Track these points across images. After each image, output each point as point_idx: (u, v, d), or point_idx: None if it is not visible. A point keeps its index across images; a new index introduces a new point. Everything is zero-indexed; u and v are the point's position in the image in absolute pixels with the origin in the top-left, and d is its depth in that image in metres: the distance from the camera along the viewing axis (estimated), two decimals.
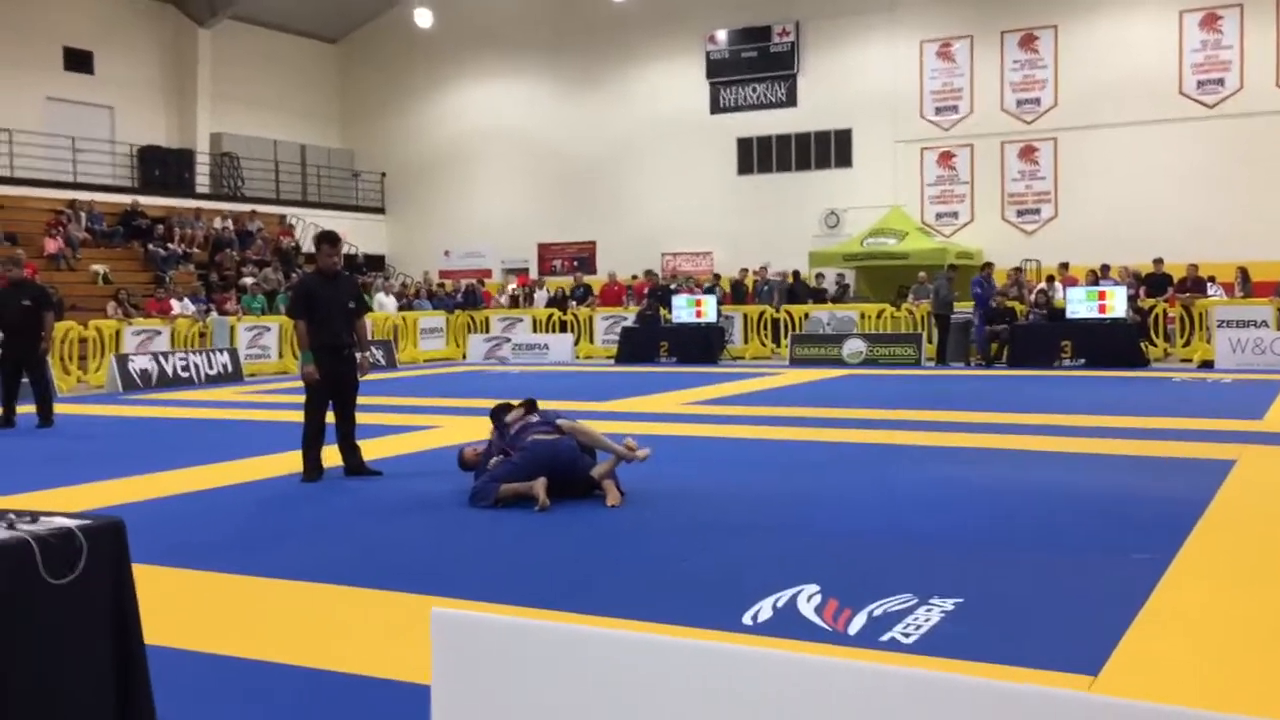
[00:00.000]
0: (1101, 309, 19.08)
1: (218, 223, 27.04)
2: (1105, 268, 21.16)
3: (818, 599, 5.02)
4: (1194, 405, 12.65)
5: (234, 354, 20.30)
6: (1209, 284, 20.55)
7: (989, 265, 21.47)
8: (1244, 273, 20.66)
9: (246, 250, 26.39)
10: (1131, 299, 19.54)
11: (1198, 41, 23.92)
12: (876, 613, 4.80)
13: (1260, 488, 7.66)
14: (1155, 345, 19.86)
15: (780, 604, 4.96)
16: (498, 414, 8.11)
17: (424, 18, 29.77)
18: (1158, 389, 15.09)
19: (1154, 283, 20.72)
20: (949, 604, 4.91)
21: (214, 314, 21.42)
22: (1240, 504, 7.06)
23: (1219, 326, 19.23)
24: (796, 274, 24.93)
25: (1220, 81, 23.76)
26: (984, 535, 6.43)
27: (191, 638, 4.67)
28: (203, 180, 29.30)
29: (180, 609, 5.10)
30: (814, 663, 2.38)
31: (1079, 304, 19.31)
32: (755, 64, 28.10)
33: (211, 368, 19.61)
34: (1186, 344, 19.83)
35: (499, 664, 2.68)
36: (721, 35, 28.44)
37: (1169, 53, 24.09)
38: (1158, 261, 21.03)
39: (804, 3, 27.38)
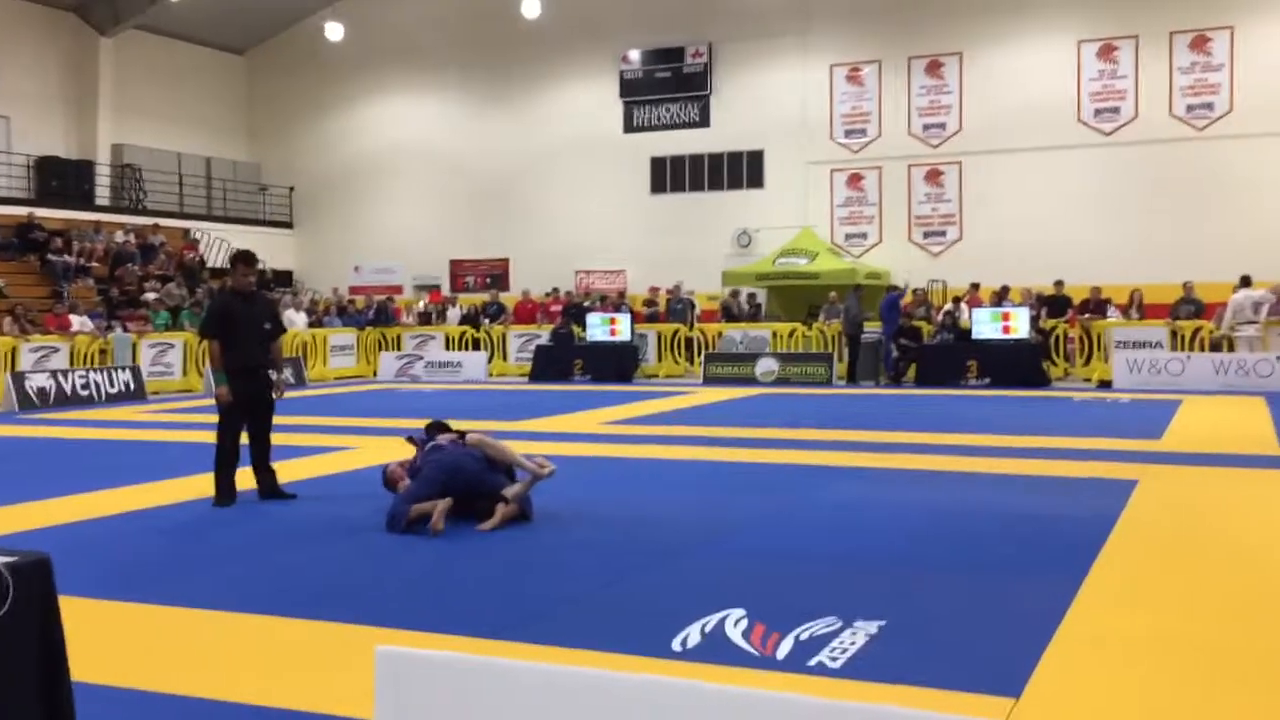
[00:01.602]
0: (1005, 330, 19.60)
1: (119, 236, 26.33)
2: (1005, 289, 21.75)
3: (744, 623, 5.07)
4: (1095, 425, 13.04)
5: (136, 372, 19.79)
6: (1109, 306, 21.22)
7: (895, 287, 21.97)
8: (1138, 295, 21.37)
9: (149, 265, 25.74)
10: (1033, 320, 20.10)
11: (1095, 71, 24.76)
12: (803, 636, 4.87)
13: (1162, 507, 7.93)
14: (1056, 365, 20.44)
15: (708, 629, 5.01)
16: (429, 430, 8.07)
17: (334, 31, 29.43)
18: (1060, 408, 15.54)
19: (1055, 304, 21.34)
20: (873, 626, 5.00)
21: (116, 330, 20.82)
22: (1145, 524, 7.31)
23: (1117, 347, 19.88)
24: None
25: (1116, 110, 24.62)
26: (901, 556, 6.55)
27: (115, 673, 4.54)
28: (103, 193, 28.53)
29: (99, 642, 4.95)
30: (753, 696, 2.42)
31: (984, 325, 19.81)
32: (668, 84, 28.33)
33: (113, 386, 19.09)
34: (1086, 364, 20.45)
35: (443, 701, 2.67)
36: (635, 55, 28.62)
37: (1068, 82, 24.89)
38: (1058, 284, 21.67)
39: (717, 25, 27.70)
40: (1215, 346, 19.30)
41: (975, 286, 22.50)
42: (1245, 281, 19.19)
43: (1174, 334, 19.85)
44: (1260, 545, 6.72)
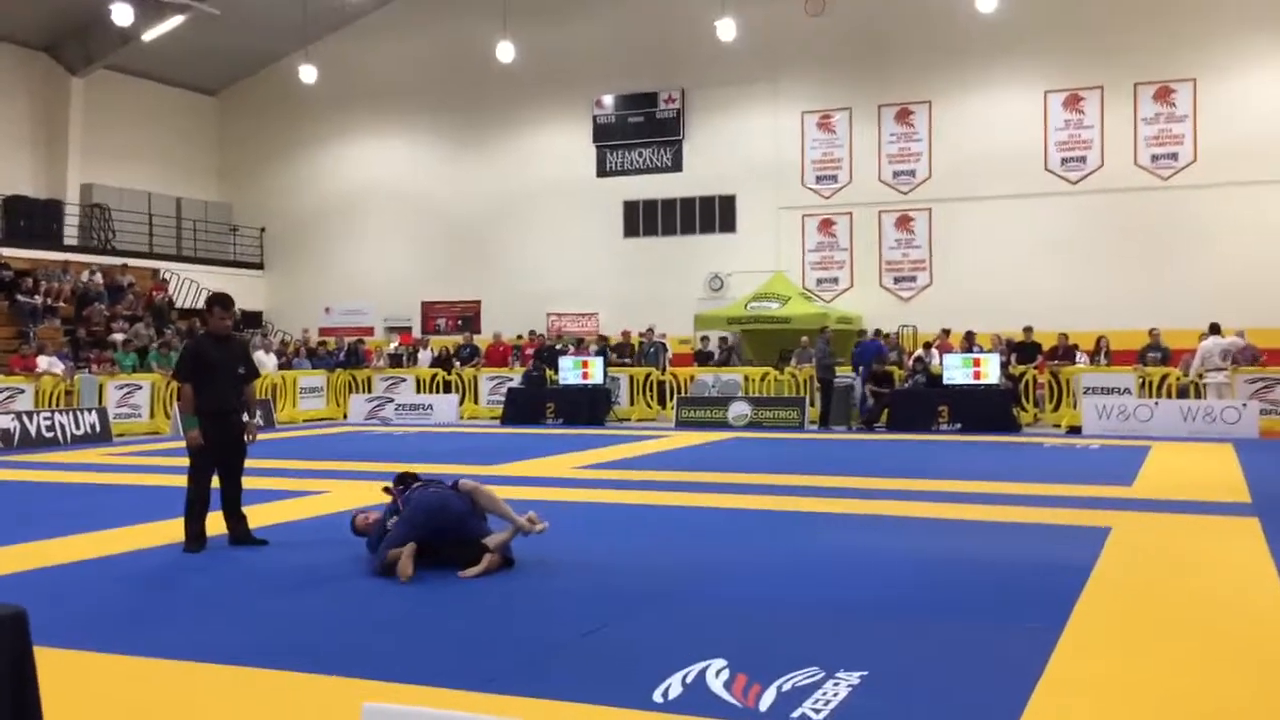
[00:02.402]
0: (976, 375, 19.74)
1: (85, 276, 26.11)
2: (971, 334, 21.94)
3: (726, 674, 5.03)
4: (1067, 471, 13.11)
5: (103, 413, 19.56)
6: (1077, 352, 21.42)
7: (879, 332, 22.24)
8: (1104, 342, 21.60)
9: (117, 305, 25.52)
10: (1004, 366, 20.25)
11: (1061, 121, 25.17)
12: (785, 687, 4.83)
13: (1137, 555, 7.97)
14: (1026, 410, 20.57)
15: (689, 679, 4.96)
16: (399, 480, 8.00)
17: (308, 73, 29.47)
18: (1031, 454, 15.62)
19: (1024, 350, 21.53)
20: (855, 677, 4.97)
21: (83, 371, 20.59)
22: (1120, 572, 7.33)
23: (1085, 393, 20.05)
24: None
25: (1083, 159, 25.01)
26: (880, 604, 6.54)
27: None
28: (72, 232, 28.32)
29: (68, 694, 4.83)
30: None
31: (955, 370, 19.94)
32: (642, 129, 28.54)
33: (79, 428, 18.86)
34: (1055, 410, 20.60)
35: None
36: (608, 100, 28.83)
37: (1035, 131, 25.28)
38: (1027, 330, 21.88)
39: (689, 71, 27.98)
40: (1183, 393, 19.50)
41: (946, 332, 22.67)
42: (1214, 329, 19.43)
43: (1142, 380, 20.04)
44: (1234, 594, 6.76)
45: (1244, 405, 18.29)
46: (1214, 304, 21.46)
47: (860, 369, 20.95)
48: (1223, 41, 23.83)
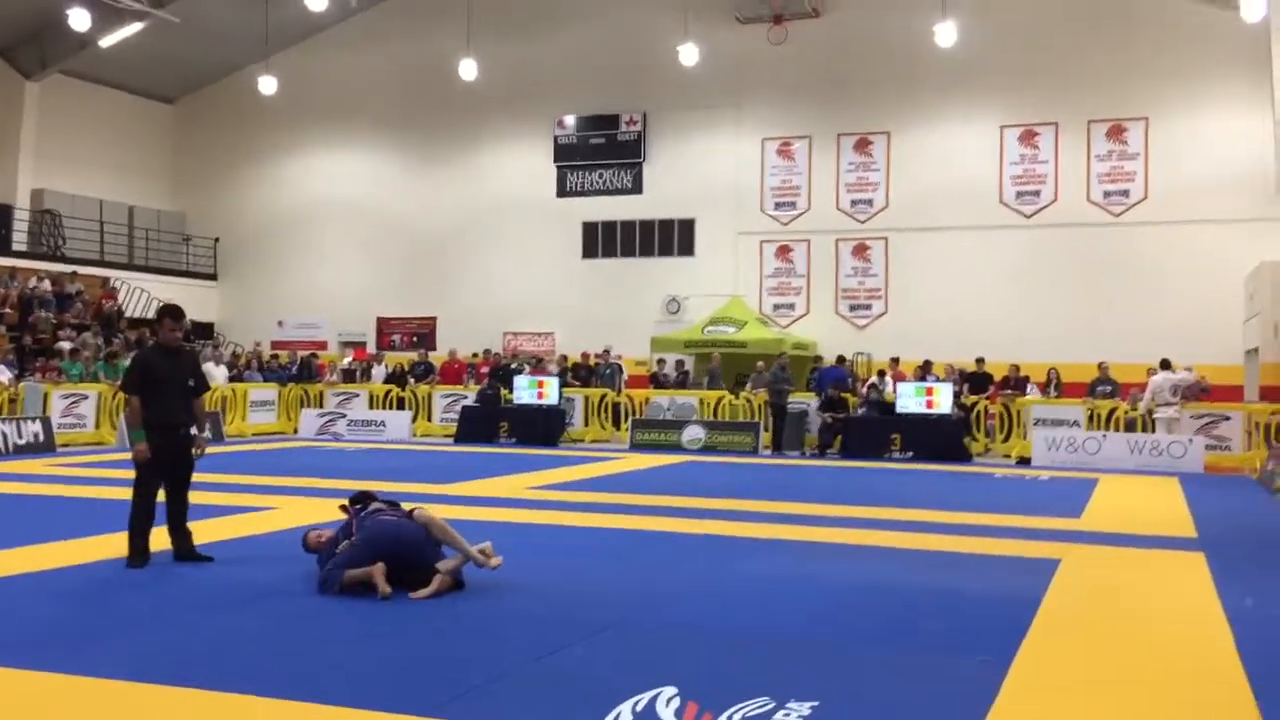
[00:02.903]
0: (929, 404, 19.89)
1: (32, 282, 25.65)
2: (927, 364, 22.13)
3: (676, 702, 4.99)
4: (1016, 502, 13.23)
5: (47, 423, 19.19)
6: (1028, 383, 21.66)
7: (842, 359, 22.41)
8: (1055, 374, 21.86)
9: (65, 313, 25.10)
10: (956, 396, 20.42)
11: (1017, 155, 25.53)
12: (736, 718, 4.81)
13: (1086, 588, 8.03)
14: (977, 440, 20.75)
15: (639, 708, 4.92)
16: (355, 500, 7.92)
17: (268, 84, 29.25)
18: (982, 484, 15.75)
19: (976, 381, 21.73)
20: (805, 708, 4.95)
21: (28, 379, 20.20)
22: (1069, 605, 7.39)
23: (1035, 425, 20.27)
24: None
25: (1037, 193, 25.38)
26: (831, 634, 6.54)
27: None
28: (20, 238, 27.84)
29: (5, 715, 4.70)
30: None
31: (908, 399, 20.08)
32: (602, 150, 28.60)
33: (21, 437, 18.49)
34: (1006, 440, 20.80)
35: None
36: (570, 120, 28.87)
37: (991, 164, 25.62)
38: (979, 360, 22.09)
39: (652, 94, 28.08)
40: (1130, 426, 19.76)
41: (895, 361, 22.81)
42: (1165, 364, 19.72)
43: (1090, 413, 20.29)
44: (1181, 629, 6.82)
45: (1190, 440, 18.56)
46: (1162, 339, 21.80)
47: (822, 395, 21.03)
48: (1175, 82, 24.31)
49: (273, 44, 29.50)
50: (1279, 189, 22.07)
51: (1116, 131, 24.83)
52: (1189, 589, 8.06)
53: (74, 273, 27.22)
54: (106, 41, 27.41)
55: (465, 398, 23.81)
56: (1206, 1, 23.74)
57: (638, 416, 22.64)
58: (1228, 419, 19.44)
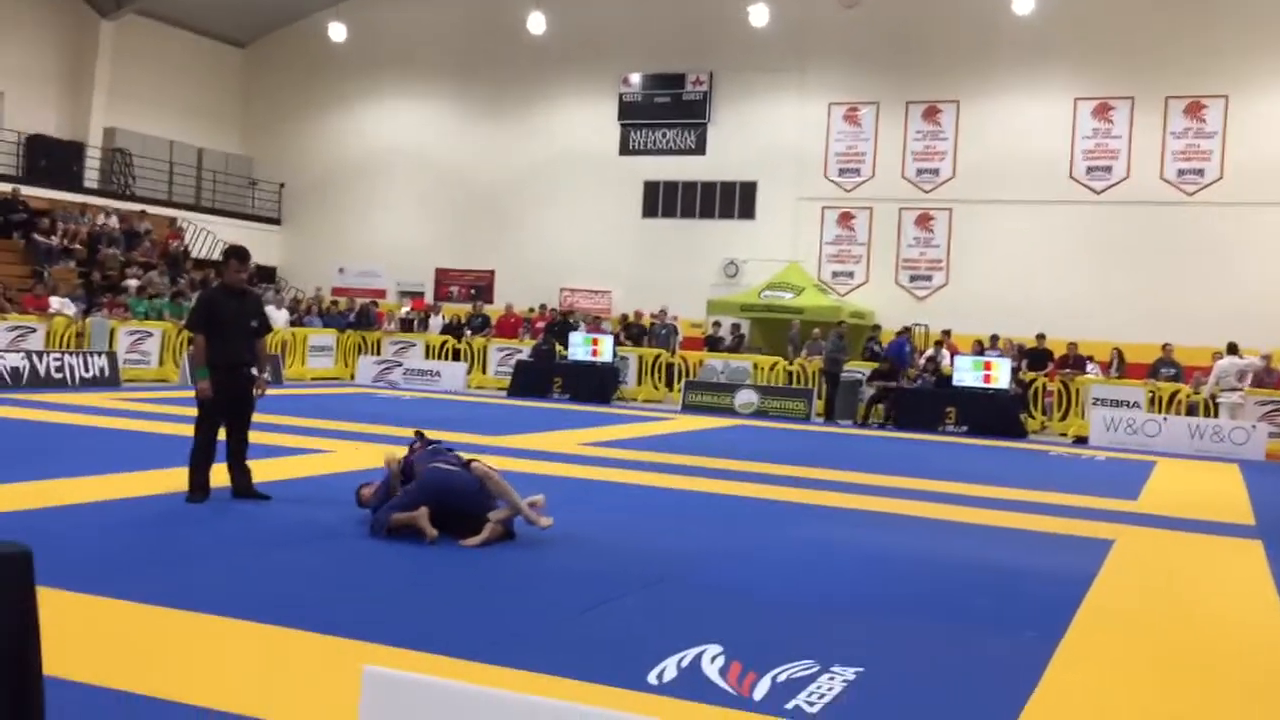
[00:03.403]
0: (986, 379, 19.66)
1: (101, 219, 26.09)
2: (995, 338, 21.85)
3: (721, 660, 5.02)
4: (1072, 481, 13.08)
5: (112, 358, 19.59)
6: (1088, 362, 21.34)
7: (906, 329, 22.16)
8: (1119, 354, 21.52)
9: (133, 251, 25.53)
10: (1014, 371, 20.17)
11: (1090, 129, 24.98)
12: (780, 678, 4.83)
13: (1139, 570, 7.95)
14: (1034, 418, 20.51)
15: (684, 664, 4.95)
16: (422, 436, 8.08)
17: (337, 31, 29.38)
18: (1037, 462, 15.58)
19: (1035, 357, 21.45)
20: (850, 673, 4.96)
21: (96, 314, 20.61)
22: (1121, 586, 7.31)
23: (1094, 404, 19.98)
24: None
25: (1108, 169, 24.84)
26: (879, 601, 6.53)
27: (83, 669, 4.43)
28: (92, 175, 28.31)
29: (68, 637, 4.84)
30: None
31: (965, 373, 19.87)
32: (667, 110, 28.41)
33: (88, 370, 18.89)
34: (1063, 419, 20.54)
35: None
36: (636, 78, 28.70)
37: (1062, 138, 25.10)
38: (1040, 337, 21.79)
39: (719, 55, 27.82)
40: (1192, 410, 19.42)
41: (947, 333, 22.53)
42: (1232, 348, 19.31)
43: (1152, 395, 19.96)
44: (1234, 615, 6.73)
45: (1253, 427, 18.21)
46: (1231, 323, 21.32)
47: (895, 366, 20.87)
48: (1257, 61, 23.62)
49: None
50: None
51: (1195, 109, 24.20)
52: (1245, 575, 7.94)
53: (143, 211, 27.65)
54: None
55: (520, 352, 23.94)
56: None
57: (691, 378, 22.64)
58: None
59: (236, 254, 8.77)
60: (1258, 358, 19.40)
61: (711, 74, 27.96)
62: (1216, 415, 18.82)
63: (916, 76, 26.18)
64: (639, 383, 23.42)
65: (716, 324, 25.53)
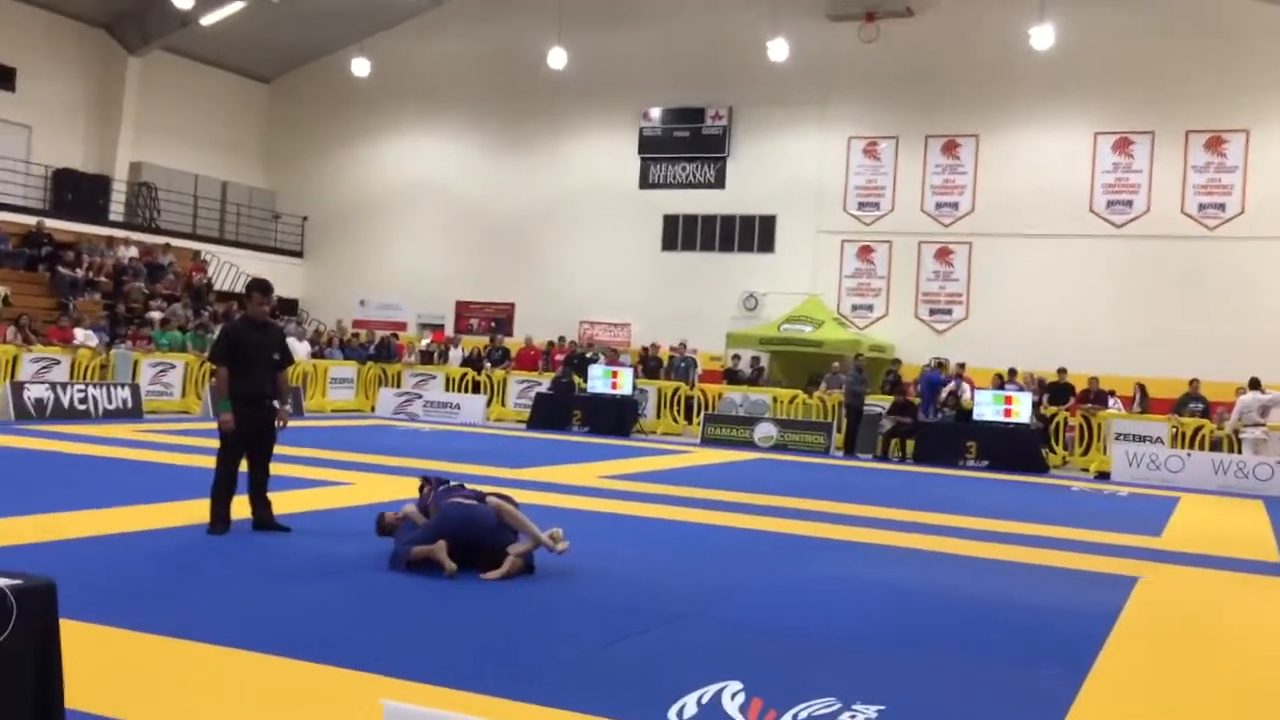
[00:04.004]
0: (1007, 413, 19.57)
1: (121, 251, 26.34)
2: (1013, 371, 21.76)
3: (741, 697, 4.99)
4: (1094, 517, 12.97)
5: (135, 389, 19.72)
6: (1110, 397, 21.21)
7: (941, 362, 22.06)
8: (1142, 389, 21.39)
9: (157, 283, 25.76)
10: (1035, 406, 20.07)
11: (1110, 163, 24.97)
12: (801, 716, 4.79)
13: (1164, 607, 7.86)
14: (1055, 452, 20.38)
15: (705, 700, 4.93)
16: (430, 480, 8.08)
17: (360, 66, 29.71)
18: (1059, 497, 15.47)
19: (1056, 391, 21.35)
20: (872, 711, 4.92)
21: (119, 347, 20.77)
22: (1146, 623, 7.24)
23: (1116, 439, 19.85)
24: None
25: (1129, 203, 24.80)
26: (900, 639, 6.47)
27: (104, 702, 4.44)
28: (117, 208, 28.63)
29: (89, 669, 4.85)
30: None
31: (986, 406, 19.78)
32: (687, 144, 28.56)
33: (111, 402, 19.02)
34: (1085, 453, 20.40)
35: None
36: (656, 113, 28.87)
37: (1082, 171, 25.09)
38: (1061, 371, 21.69)
39: (738, 89, 27.97)
40: (1215, 446, 19.26)
41: (962, 366, 22.43)
42: (1254, 384, 19.17)
43: (1175, 430, 19.81)
44: (1261, 653, 6.65)
45: (1277, 462, 18.04)
46: (1254, 358, 21.19)
47: (925, 402, 20.74)
48: (1278, 95, 23.59)
49: (366, 27, 29.94)
50: None
51: (1215, 143, 24.17)
52: (1271, 612, 7.85)
53: (167, 245, 27.92)
54: (208, 20, 28.02)
55: (540, 384, 23.98)
56: None
57: (710, 411, 22.61)
58: None
59: (259, 287, 8.84)
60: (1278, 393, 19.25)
61: (731, 108, 28.11)
62: (1240, 451, 18.66)
63: (936, 110, 26.25)
64: (658, 415, 23.41)
65: (736, 357, 25.52)
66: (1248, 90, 23.77)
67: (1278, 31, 23.55)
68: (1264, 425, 18.63)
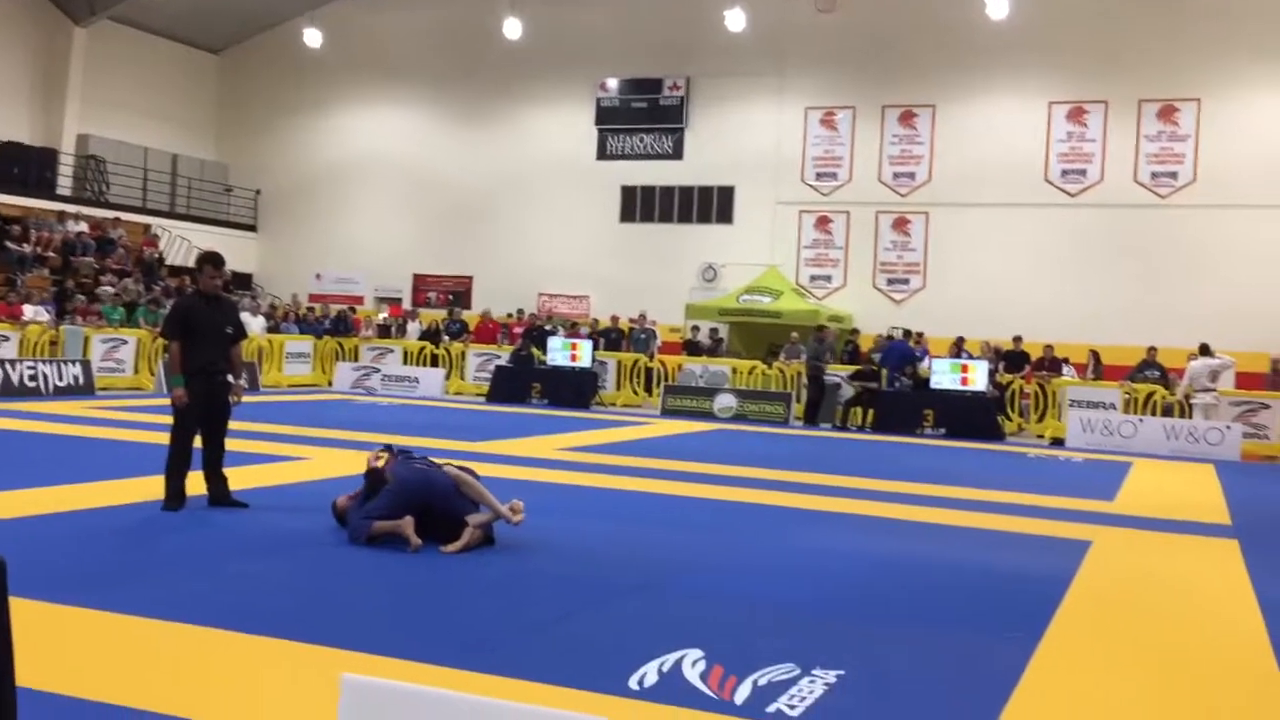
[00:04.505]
0: (963, 381, 19.74)
1: (70, 225, 25.88)
2: (961, 340, 21.94)
3: (702, 664, 5.01)
4: (1049, 483, 13.14)
5: (86, 366, 19.43)
6: (1064, 364, 21.46)
7: (907, 332, 22.08)
8: (1096, 356, 21.65)
9: (107, 258, 25.35)
10: (991, 374, 20.26)
11: (1064, 133, 25.16)
12: (761, 682, 4.82)
13: (1117, 570, 7.98)
14: (1011, 420, 20.60)
15: (665, 668, 4.94)
16: (391, 449, 8.01)
17: (313, 37, 29.30)
18: (1014, 463, 15.65)
19: (1013, 359, 21.56)
20: (831, 676, 4.96)
21: (69, 322, 20.44)
22: (1099, 586, 7.34)
23: (1071, 406, 20.09)
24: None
25: (1083, 172, 25.02)
26: (858, 605, 6.53)
27: (58, 680, 4.38)
28: (65, 182, 28.11)
29: (41, 647, 4.78)
30: None
31: (943, 375, 19.94)
32: (644, 115, 28.44)
33: (61, 379, 18.73)
34: (1040, 420, 20.64)
35: None
36: (613, 83, 28.71)
37: (1037, 141, 25.27)
38: (1017, 339, 21.91)
39: (696, 60, 27.87)
40: (1167, 411, 19.55)
41: (921, 335, 22.50)
42: (1205, 349, 19.45)
43: (1128, 397, 20.08)
44: (1212, 615, 6.77)
45: (1228, 427, 18.35)
46: (1205, 324, 21.50)
47: (889, 371, 20.77)
48: (1229, 64, 23.84)
49: None
50: None
51: (1168, 112, 24.41)
52: (1221, 575, 7.99)
53: (117, 219, 27.47)
54: None
55: (499, 358, 23.90)
56: None
57: (670, 382, 22.64)
58: (1266, 407, 19.19)
59: (211, 260, 8.72)
60: (1230, 358, 19.54)
61: (689, 79, 28.01)
62: (1191, 416, 18.96)
63: (892, 81, 26.31)
64: (618, 387, 23.41)
65: (695, 328, 25.55)
66: (1199, 60, 24.01)
67: (1229, 1, 23.77)
68: (1214, 390, 18.92)
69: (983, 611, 6.50)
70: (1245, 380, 20.77)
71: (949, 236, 25.82)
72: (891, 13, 26.19)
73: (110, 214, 27.64)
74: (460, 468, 7.74)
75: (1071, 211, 24.96)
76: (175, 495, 8.34)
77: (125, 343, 20.85)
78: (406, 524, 7.20)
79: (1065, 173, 25.16)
